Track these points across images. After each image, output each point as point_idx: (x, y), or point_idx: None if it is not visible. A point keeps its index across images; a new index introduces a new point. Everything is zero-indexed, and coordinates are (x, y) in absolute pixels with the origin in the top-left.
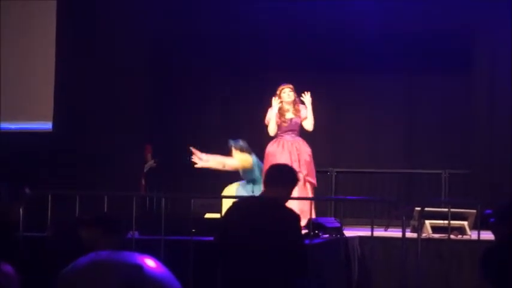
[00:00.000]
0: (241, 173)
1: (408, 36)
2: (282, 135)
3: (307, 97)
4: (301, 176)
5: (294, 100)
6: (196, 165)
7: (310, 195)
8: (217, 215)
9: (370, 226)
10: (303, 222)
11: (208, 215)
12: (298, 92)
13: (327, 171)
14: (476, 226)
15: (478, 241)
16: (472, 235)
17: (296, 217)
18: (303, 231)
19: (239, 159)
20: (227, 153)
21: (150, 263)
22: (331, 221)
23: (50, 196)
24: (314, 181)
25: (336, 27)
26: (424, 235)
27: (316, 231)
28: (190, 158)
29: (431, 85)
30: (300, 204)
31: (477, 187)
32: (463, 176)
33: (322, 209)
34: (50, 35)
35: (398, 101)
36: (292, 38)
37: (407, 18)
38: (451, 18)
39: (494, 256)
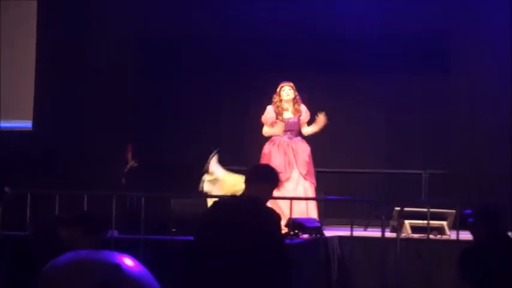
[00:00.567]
0: None
1: (390, 37)
2: (279, 136)
3: (320, 117)
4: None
5: (294, 98)
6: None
7: (311, 195)
8: None
9: (350, 226)
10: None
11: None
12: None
13: None
14: (456, 226)
15: (457, 241)
16: (451, 235)
17: (277, 216)
18: (283, 231)
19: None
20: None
21: (128, 262)
22: (311, 221)
23: (29, 195)
24: (313, 180)
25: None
26: (403, 235)
27: (296, 231)
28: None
29: (411, 85)
30: (305, 205)
31: (457, 187)
32: (443, 176)
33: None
34: (30, 34)
35: (378, 101)
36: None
37: (386, 18)
38: (425, 19)
39: (472, 256)
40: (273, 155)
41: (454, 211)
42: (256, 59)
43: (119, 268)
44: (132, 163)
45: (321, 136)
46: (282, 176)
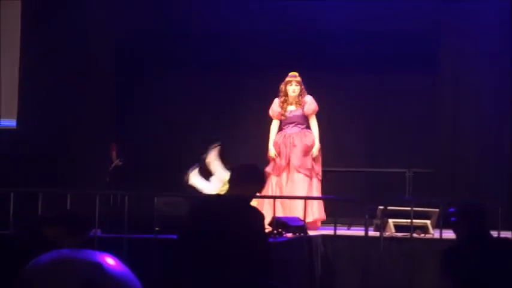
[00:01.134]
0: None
1: (371, 36)
2: (283, 128)
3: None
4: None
5: (300, 93)
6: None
7: (302, 188)
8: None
9: (333, 225)
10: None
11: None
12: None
13: None
14: (439, 225)
15: (441, 240)
16: (435, 234)
17: (260, 216)
18: (267, 230)
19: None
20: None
21: (110, 261)
22: (294, 220)
23: (12, 194)
24: (307, 173)
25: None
26: (387, 234)
27: (280, 230)
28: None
29: (395, 84)
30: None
31: (440, 186)
32: (426, 175)
33: None
34: (14, 33)
35: (361, 99)
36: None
37: (370, 18)
38: (416, 19)
39: (455, 255)
40: (280, 146)
41: (437, 210)
42: (245, 58)
43: (100, 267)
44: (116, 162)
45: None
46: (278, 169)
